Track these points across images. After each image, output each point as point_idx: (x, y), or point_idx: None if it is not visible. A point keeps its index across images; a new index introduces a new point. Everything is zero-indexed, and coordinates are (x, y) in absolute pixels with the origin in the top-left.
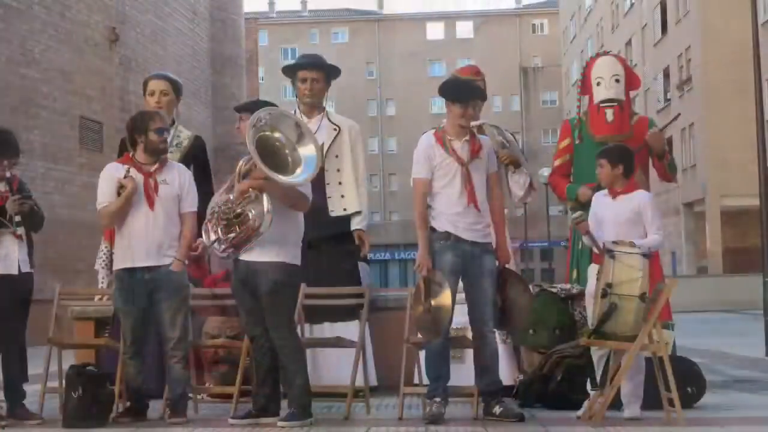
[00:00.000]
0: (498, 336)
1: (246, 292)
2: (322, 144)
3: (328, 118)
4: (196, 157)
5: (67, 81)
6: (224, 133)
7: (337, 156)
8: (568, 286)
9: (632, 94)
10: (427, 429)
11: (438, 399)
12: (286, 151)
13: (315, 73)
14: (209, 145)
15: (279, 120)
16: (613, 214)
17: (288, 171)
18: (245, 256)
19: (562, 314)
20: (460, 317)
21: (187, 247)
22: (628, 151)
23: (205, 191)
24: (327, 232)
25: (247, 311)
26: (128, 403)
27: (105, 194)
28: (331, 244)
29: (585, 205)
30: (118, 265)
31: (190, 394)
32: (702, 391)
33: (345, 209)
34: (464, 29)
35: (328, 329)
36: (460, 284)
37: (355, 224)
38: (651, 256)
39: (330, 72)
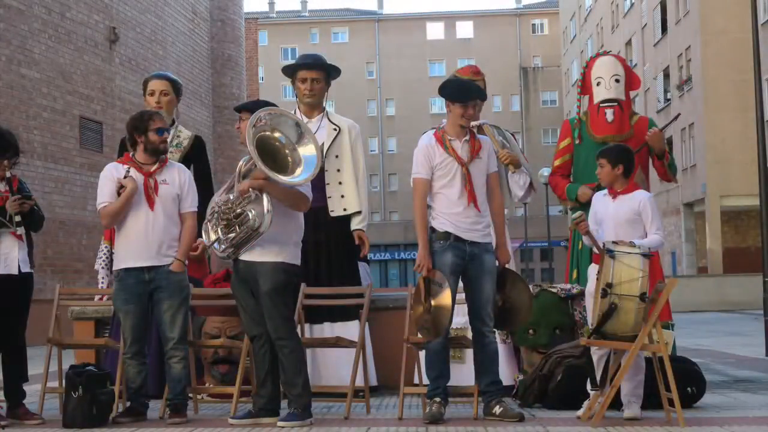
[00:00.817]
0: (498, 336)
1: (246, 292)
2: (322, 144)
3: (328, 118)
4: (196, 157)
5: (67, 81)
6: (224, 133)
7: (337, 156)
8: (568, 286)
9: (632, 94)
10: (427, 429)
11: (438, 399)
12: (286, 151)
13: (315, 73)
14: (209, 145)
15: (279, 120)
16: (613, 214)
17: (288, 171)
18: (245, 256)
19: (562, 314)
20: (460, 317)
21: (187, 247)
22: (628, 151)
23: (205, 191)
24: (327, 232)
25: (247, 311)
26: (128, 403)
27: (105, 194)
28: (331, 244)
29: (585, 205)
30: (118, 265)
31: (190, 394)
32: (702, 391)
33: (345, 209)
34: (464, 29)
35: (328, 329)
36: (460, 284)
37: (355, 224)
38: (651, 256)
39: (330, 72)
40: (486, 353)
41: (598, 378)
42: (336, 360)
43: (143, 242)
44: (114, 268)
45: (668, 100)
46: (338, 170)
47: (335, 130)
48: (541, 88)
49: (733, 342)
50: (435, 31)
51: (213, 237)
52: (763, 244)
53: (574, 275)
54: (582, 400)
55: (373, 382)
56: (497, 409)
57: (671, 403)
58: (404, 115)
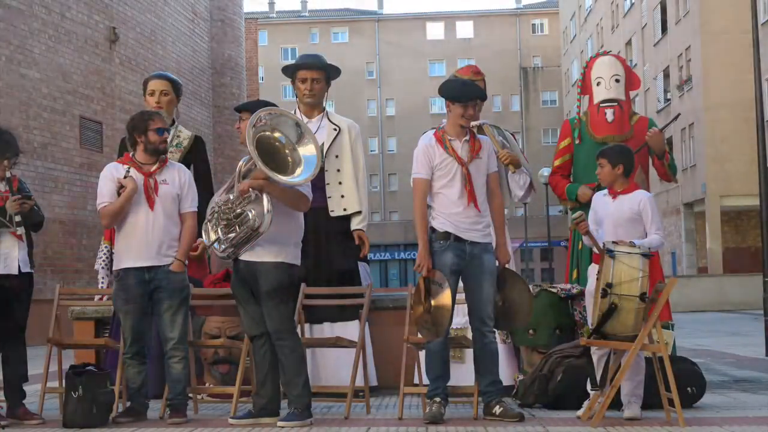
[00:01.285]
0: (498, 336)
1: (246, 292)
2: (322, 144)
3: (328, 118)
4: (196, 157)
5: (67, 81)
6: (224, 133)
7: (337, 156)
8: (568, 286)
9: (632, 94)
10: (427, 429)
11: (438, 399)
12: (286, 151)
13: (315, 73)
14: (209, 145)
15: (279, 120)
16: (613, 214)
17: (288, 171)
18: (245, 256)
19: (562, 314)
20: (460, 317)
21: (187, 247)
22: (628, 151)
23: (205, 191)
24: (327, 232)
25: (247, 311)
26: (128, 403)
27: (105, 194)
28: (331, 244)
29: (585, 205)
30: (118, 265)
31: (190, 394)
32: (702, 391)
33: (345, 209)
34: (464, 29)
35: (328, 329)
36: (460, 284)
37: (355, 224)
38: (651, 256)
39: (330, 72)
40: (486, 353)
41: (598, 378)
42: (336, 360)
43: (143, 242)
44: (114, 268)
45: (668, 100)
46: (338, 170)
47: (335, 130)
48: (541, 88)
49: (733, 342)
50: (435, 31)
51: (213, 237)
52: (763, 244)
53: (574, 275)
54: (582, 400)
55: (373, 382)
56: (497, 409)
57: (671, 403)
58: (404, 115)
